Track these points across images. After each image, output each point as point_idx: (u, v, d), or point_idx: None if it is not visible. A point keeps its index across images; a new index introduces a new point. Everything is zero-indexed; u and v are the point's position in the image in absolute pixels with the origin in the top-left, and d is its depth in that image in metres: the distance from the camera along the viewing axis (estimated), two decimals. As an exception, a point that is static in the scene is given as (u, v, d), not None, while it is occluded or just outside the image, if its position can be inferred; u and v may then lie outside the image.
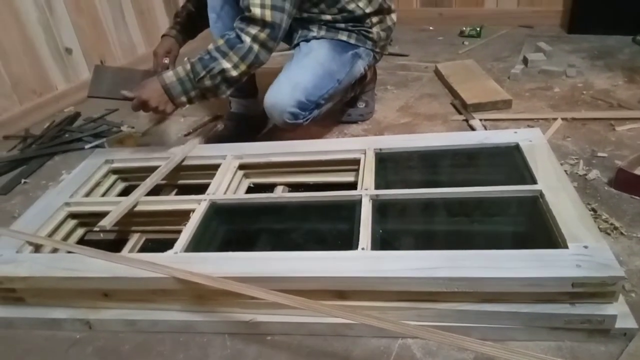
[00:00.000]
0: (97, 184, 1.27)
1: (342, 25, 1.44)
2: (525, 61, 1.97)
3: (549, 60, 1.95)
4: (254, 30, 1.21)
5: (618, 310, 0.78)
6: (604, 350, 0.79)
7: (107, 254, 0.95)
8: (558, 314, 0.78)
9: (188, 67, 1.21)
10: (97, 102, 2.16)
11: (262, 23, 1.21)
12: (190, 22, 1.59)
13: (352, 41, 1.45)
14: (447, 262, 0.81)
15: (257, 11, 1.20)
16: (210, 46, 1.22)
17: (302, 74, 1.38)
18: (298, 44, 1.46)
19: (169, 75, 1.21)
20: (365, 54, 1.49)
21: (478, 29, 2.41)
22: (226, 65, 1.21)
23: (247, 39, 1.21)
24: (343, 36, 1.44)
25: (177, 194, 1.30)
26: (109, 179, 1.31)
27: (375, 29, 1.48)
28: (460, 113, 1.65)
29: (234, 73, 1.22)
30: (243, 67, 1.23)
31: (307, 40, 1.44)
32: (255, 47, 1.22)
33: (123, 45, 2.41)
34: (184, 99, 1.24)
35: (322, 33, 1.44)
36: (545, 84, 1.78)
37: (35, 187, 1.53)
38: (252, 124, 1.66)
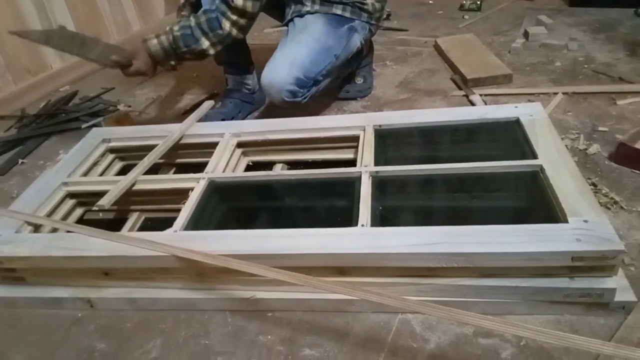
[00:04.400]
0: (95, 164, 1.26)
1: None
2: (526, 35, 1.94)
3: (550, 33, 1.92)
4: (234, 16, 1.28)
5: (617, 284, 0.78)
6: (603, 323, 0.79)
7: (107, 233, 0.95)
8: (557, 288, 0.79)
9: (171, 38, 1.29)
10: (94, 81, 2.15)
11: (242, 13, 1.28)
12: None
13: (347, 14, 1.43)
14: (446, 238, 0.81)
15: (239, 2, 1.26)
16: (192, 22, 1.28)
17: (298, 50, 1.36)
18: (292, 20, 1.44)
19: (154, 44, 1.29)
20: (360, 27, 1.46)
21: (478, 2, 2.37)
22: (205, 44, 1.30)
23: (227, 25, 1.28)
24: (338, 9, 1.42)
25: (175, 172, 1.29)
26: (106, 158, 1.30)
27: (369, 0, 1.45)
28: (460, 88, 1.63)
29: (211, 51, 1.33)
30: (219, 47, 1.33)
31: (301, 16, 1.42)
32: (234, 31, 1.30)
33: (117, 22, 2.38)
34: (165, 62, 1.35)
35: (316, 7, 1.41)
36: (546, 58, 1.76)
37: (33, 167, 1.52)
38: (249, 100, 1.64)
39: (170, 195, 1.12)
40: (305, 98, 1.38)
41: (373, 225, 0.88)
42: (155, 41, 1.29)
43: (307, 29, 1.39)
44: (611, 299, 0.79)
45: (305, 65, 1.34)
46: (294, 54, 1.35)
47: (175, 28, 1.29)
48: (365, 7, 1.45)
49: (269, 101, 1.66)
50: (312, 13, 1.41)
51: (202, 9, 1.30)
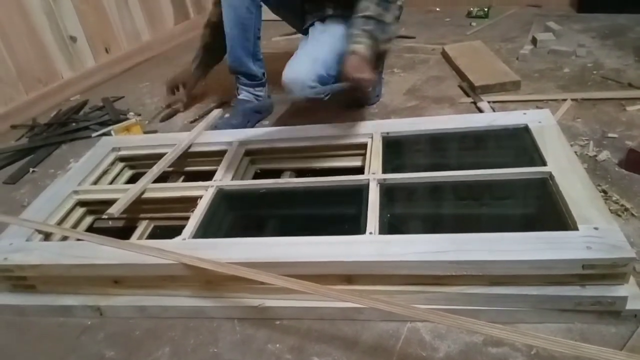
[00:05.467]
0: (105, 172, 1.27)
1: None
2: (534, 41, 1.93)
3: (559, 40, 1.92)
4: None
5: (629, 292, 0.77)
6: (615, 332, 0.78)
7: (116, 241, 0.96)
8: (568, 296, 0.78)
9: (366, 34, 1.20)
10: (103, 90, 2.17)
11: None
12: (209, 54, 1.71)
13: None
14: (455, 246, 0.81)
15: None
16: (371, 12, 1.21)
17: (320, 49, 1.35)
18: (312, 24, 1.44)
19: (360, 47, 1.18)
20: None
21: (485, 9, 2.37)
22: (393, 25, 1.25)
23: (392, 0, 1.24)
24: None
25: (184, 180, 1.30)
26: (116, 167, 1.31)
27: None
28: (468, 95, 1.63)
29: (394, 27, 1.26)
30: (396, 23, 1.28)
31: (322, 20, 1.42)
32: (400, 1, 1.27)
33: (127, 32, 2.41)
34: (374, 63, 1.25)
35: (338, 12, 1.41)
36: (554, 65, 1.76)
37: (44, 176, 1.53)
38: (259, 110, 1.65)
39: (179, 203, 1.13)
40: (327, 95, 1.34)
41: (381, 233, 0.88)
42: (358, 46, 1.18)
43: (329, 30, 1.39)
44: (623, 307, 0.78)
45: (327, 62, 1.32)
46: (316, 52, 1.34)
47: (362, 26, 1.21)
48: None
49: (278, 109, 1.67)
50: (333, 17, 1.41)
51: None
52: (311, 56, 1.33)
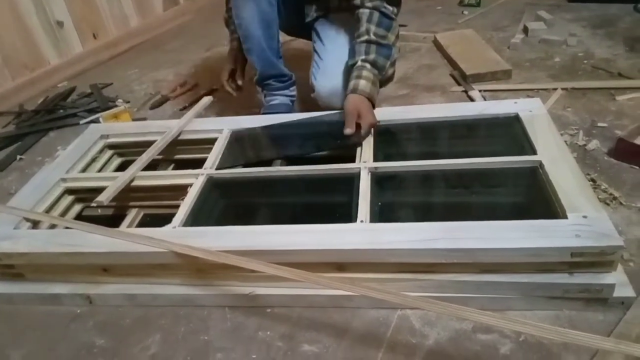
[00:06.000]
0: (93, 160, 1.26)
1: None
2: (525, 30, 1.93)
3: (550, 29, 1.92)
4: (390, 6, 1.23)
5: (616, 279, 0.78)
6: (602, 319, 0.79)
7: (106, 229, 0.95)
8: (557, 284, 0.79)
9: (368, 66, 1.17)
10: (91, 76, 2.15)
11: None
12: None
13: None
14: (446, 234, 0.81)
15: None
16: (372, 36, 1.18)
17: (345, 51, 1.29)
18: (316, 19, 1.39)
19: (364, 85, 1.15)
20: None
21: (477, -3, 2.37)
22: (392, 38, 1.22)
23: (393, 15, 1.22)
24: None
25: (174, 168, 1.29)
26: (105, 155, 1.30)
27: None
28: (459, 84, 1.63)
29: (395, 52, 1.25)
30: (397, 42, 1.27)
31: (325, 16, 1.38)
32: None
33: (115, 17, 2.37)
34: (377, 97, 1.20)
35: (344, 4, 1.35)
36: (545, 54, 1.76)
37: (31, 164, 1.52)
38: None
39: (169, 191, 1.12)
40: None
41: (372, 221, 0.88)
42: (363, 82, 1.15)
43: (343, 31, 1.33)
44: (610, 295, 0.79)
45: None
46: (344, 55, 1.27)
47: (364, 56, 1.17)
48: None
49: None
50: (337, 11, 1.36)
51: (366, 18, 1.20)
52: (342, 61, 1.27)
